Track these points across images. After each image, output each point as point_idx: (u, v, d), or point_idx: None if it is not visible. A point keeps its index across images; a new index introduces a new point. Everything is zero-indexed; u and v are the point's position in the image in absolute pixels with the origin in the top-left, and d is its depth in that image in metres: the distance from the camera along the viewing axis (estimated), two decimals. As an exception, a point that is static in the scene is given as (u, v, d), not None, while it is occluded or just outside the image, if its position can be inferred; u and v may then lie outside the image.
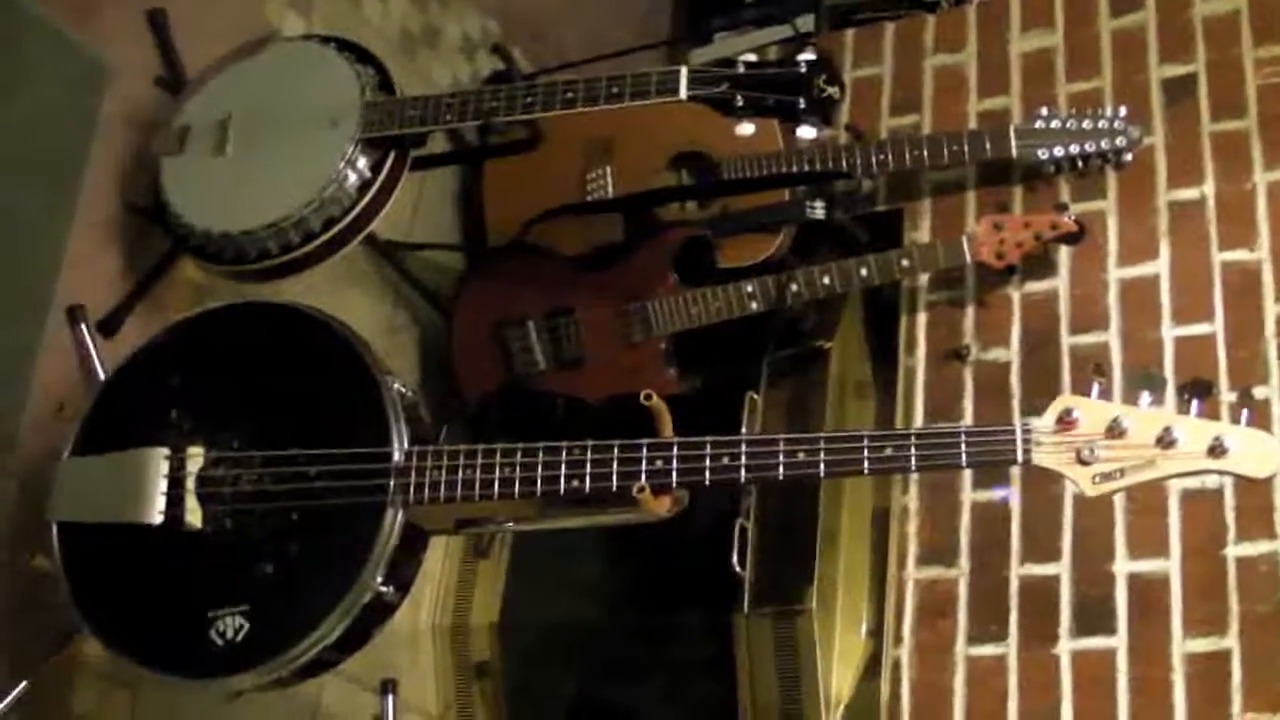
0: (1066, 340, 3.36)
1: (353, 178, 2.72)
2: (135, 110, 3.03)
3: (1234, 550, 2.98)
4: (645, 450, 2.05)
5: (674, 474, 2.03)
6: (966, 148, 3.43)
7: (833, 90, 2.55)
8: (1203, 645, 2.92)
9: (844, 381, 3.47)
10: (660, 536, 2.27)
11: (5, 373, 2.72)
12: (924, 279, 3.55)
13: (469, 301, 3.54)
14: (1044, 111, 3.41)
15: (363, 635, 2.15)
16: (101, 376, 2.42)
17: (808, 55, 2.56)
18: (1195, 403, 1.88)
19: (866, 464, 1.97)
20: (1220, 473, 1.86)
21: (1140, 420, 1.88)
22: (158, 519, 2.16)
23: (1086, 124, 3.36)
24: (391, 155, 2.77)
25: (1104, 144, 3.35)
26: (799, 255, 3.48)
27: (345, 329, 2.24)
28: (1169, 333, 3.27)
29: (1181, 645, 2.94)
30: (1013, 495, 3.21)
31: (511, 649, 3.42)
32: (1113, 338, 3.32)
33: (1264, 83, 3.48)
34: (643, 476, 2.03)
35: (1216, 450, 1.84)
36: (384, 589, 2.10)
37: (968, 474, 3.24)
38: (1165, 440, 1.86)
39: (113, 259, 2.98)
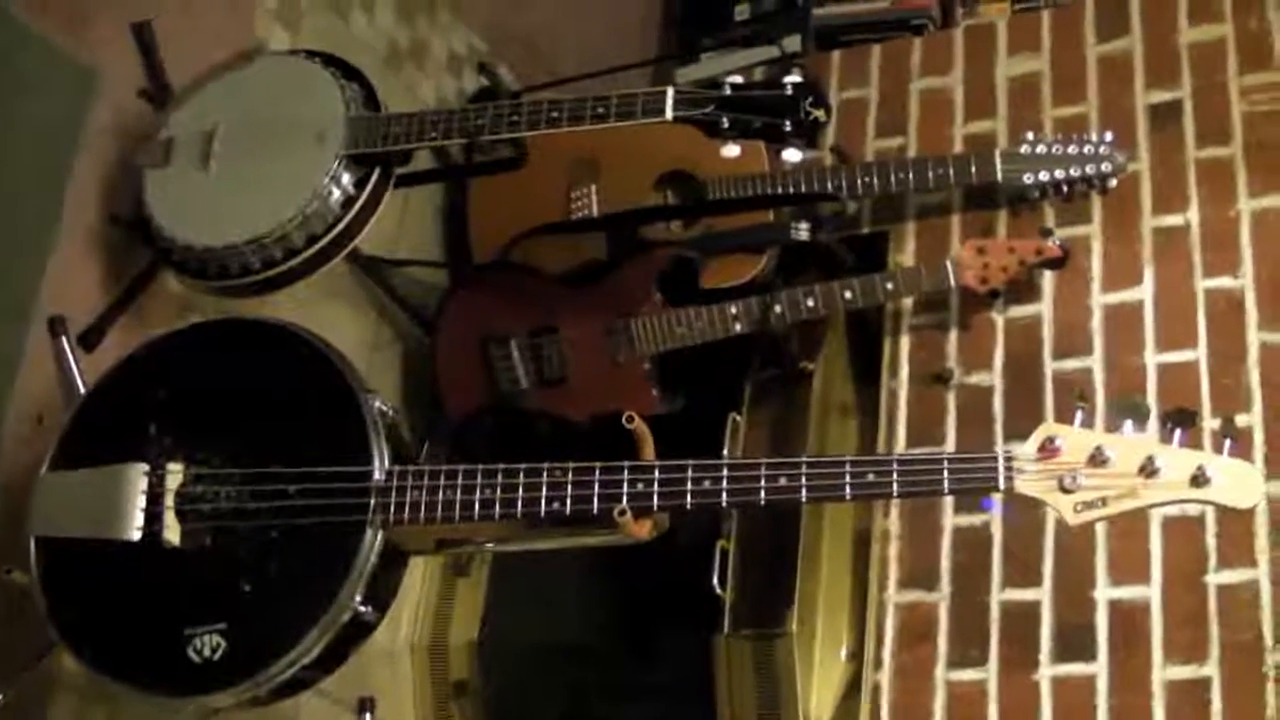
0: (1050, 365, 3.36)
1: (336, 194, 2.71)
2: (122, 120, 3.02)
3: (1215, 578, 2.97)
4: (626, 473, 2.05)
5: (655, 498, 2.03)
6: (952, 171, 3.43)
7: (819, 113, 2.56)
8: (1183, 673, 2.92)
9: (827, 403, 3.47)
10: (640, 556, 2.26)
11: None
12: (908, 302, 3.54)
13: (453, 318, 3.53)
14: (1030, 136, 3.40)
15: (341, 654, 2.15)
16: (81, 390, 2.41)
17: (794, 77, 2.56)
18: (1178, 432, 1.88)
19: (849, 490, 1.97)
20: (1203, 503, 1.87)
21: (1123, 449, 1.88)
22: (136, 536, 2.15)
23: (1072, 149, 3.35)
24: (376, 172, 2.76)
25: (1089, 169, 3.34)
26: (783, 277, 3.48)
27: (327, 346, 2.24)
28: (1152, 359, 3.27)
29: (1162, 672, 2.93)
30: (998, 506, 3.20)
31: (490, 667, 3.40)
32: (1096, 363, 3.32)
33: (1249, 109, 3.49)
34: (624, 500, 2.03)
35: (1199, 480, 1.84)
36: (362, 608, 2.09)
37: (949, 498, 3.24)
38: (1148, 469, 1.86)
39: (96, 270, 2.97)
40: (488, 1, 4.27)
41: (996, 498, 3.20)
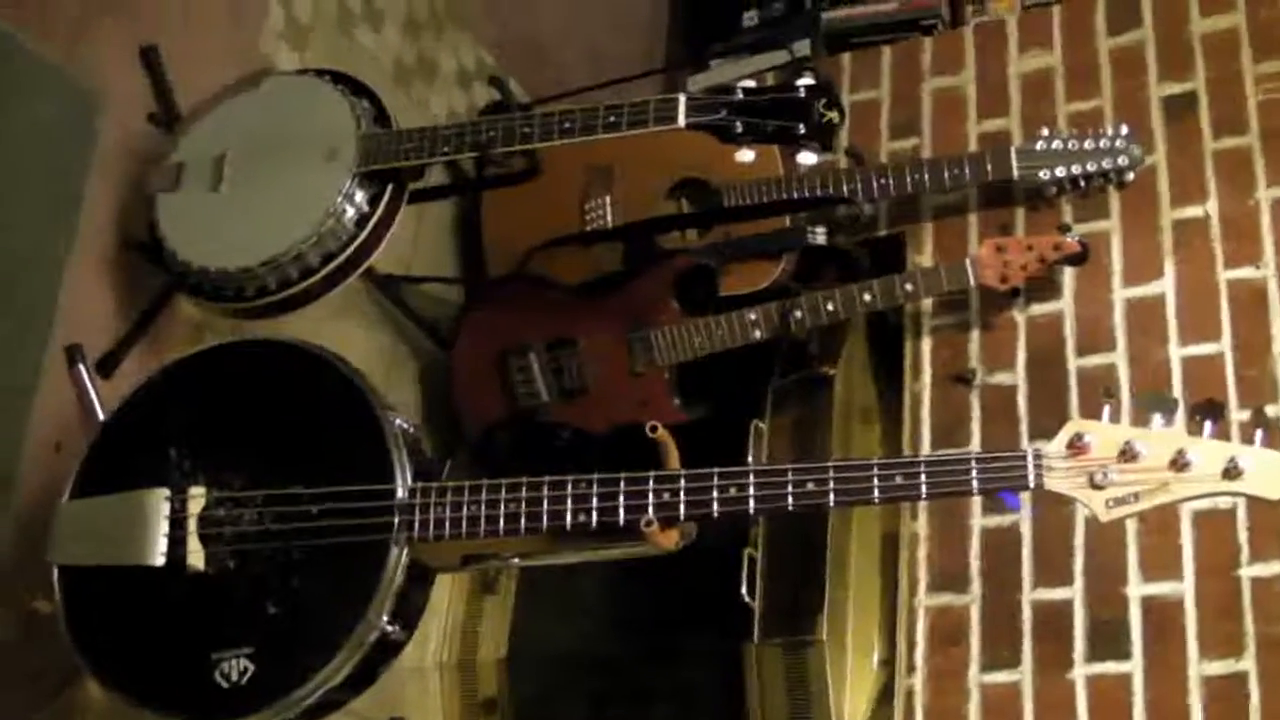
0: (1073, 362, 3.33)
1: (350, 212, 2.70)
2: (133, 142, 3.02)
3: (1248, 571, 2.95)
4: (652, 483, 2.03)
5: (682, 507, 2.01)
6: (967, 170, 3.41)
7: (833, 115, 2.53)
8: (1220, 668, 2.89)
9: (849, 407, 3.45)
10: (668, 565, 2.25)
11: (2, 410, 2.70)
12: (928, 303, 3.52)
13: (470, 333, 3.52)
14: (1045, 132, 3.38)
15: (369, 674, 2.14)
16: (100, 416, 2.39)
17: (807, 80, 2.54)
18: (1208, 424, 1.86)
19: (877, 493, 1.95)
20: (1236, 494, 1.84)
21: (1153, 443, 1.86)
22: (159, 561, 2.14)
23: (1088, 144, 3.33)
24: (389, 188, 2.75)
25: (1105, 164, 3.32)
26: (801, 281, 3.47)
27: (346, 365, 2.23)
28: (1176, 352, 3.24)
29: (1198, 668, 2.91)
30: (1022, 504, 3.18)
31: (519, 685, 3.39)
32: (1119, 359, 3.29)
33: (1265, 98, 3.46)
34: (650, 510, 2.01)
35: (1232, 472, 1.82)
36: (390, 628, 2.08)
37: (977, 499, 3.21)
38: (1179, 463, 1.83)
39: (111, 295, 2.96)
40: (489, 9, 4.26)
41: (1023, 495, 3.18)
